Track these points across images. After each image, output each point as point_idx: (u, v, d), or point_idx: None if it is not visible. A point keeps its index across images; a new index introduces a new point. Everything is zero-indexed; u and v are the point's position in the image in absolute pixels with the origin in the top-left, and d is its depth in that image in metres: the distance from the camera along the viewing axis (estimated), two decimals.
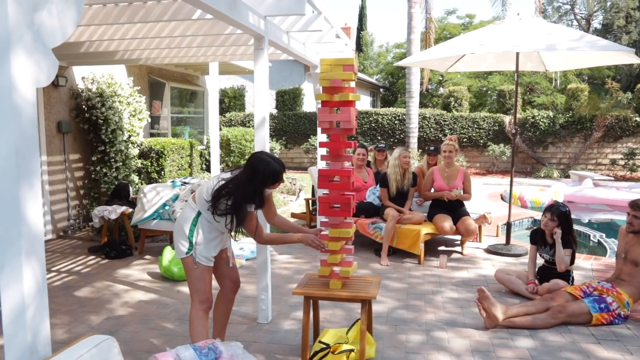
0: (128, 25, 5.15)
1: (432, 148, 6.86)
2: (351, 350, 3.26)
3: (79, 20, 1.72)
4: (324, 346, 3.31)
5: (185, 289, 4.91)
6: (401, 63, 6.64)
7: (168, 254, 5.22)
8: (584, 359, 3.47)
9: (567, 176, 14.10)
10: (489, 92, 24.62)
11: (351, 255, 3.53)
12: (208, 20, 4.56)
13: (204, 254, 3.08)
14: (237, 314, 4.25)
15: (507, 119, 15.68)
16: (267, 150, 4.02)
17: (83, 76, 7.65)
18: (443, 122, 16.18)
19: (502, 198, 10.46)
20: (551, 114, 15.48)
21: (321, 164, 6.47)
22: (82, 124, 7.54)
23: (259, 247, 4.07)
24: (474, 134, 15.93)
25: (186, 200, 6.10)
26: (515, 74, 6.16)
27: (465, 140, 15.97)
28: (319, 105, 3.36)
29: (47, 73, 1.64)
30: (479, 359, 3.48)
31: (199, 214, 3.09)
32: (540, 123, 15.32)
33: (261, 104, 4.01)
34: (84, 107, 7.47)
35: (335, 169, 3.32)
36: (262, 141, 4.03)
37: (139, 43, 6.10)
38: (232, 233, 3.15)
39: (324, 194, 3.37)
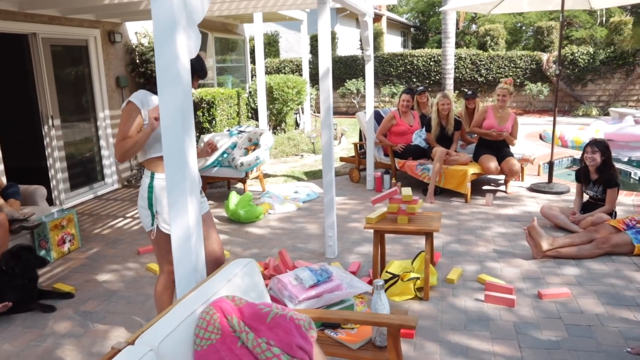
0: None
1: (469, 92, 7.11)
2: (417, 278, 3.68)
3: None
4: (392, 275, 3.74)
5: (253, 229, 5.39)
6: (445, 8, 6.74)
7: (234, 198, 5.68)
8: (627, 284, 3.82)
9: (607, 114, 13.98)
10: (523, 28, 23.87)
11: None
12: None
13: (168, 221, 2.71)
14: (305, 250, 4.72)
15: (545, 57, 15.42)
16: (330, 100, 4.34)
17: (136, 31, 7.97)
18: (479, 62, 16.04)
19: (541, 137, 10.56)
20: (591, 50, 15.13)
21: (369, 110, 6.76)
22: (137, 78, 7.93)
23: (326, 187, 4.47)
24: (511, 73, 15.77)
25: (246, 148, 6.54)
26: (561, 15, 6.21)
27: (502, 79, 15.83)
28: None
29: (195, 43, 1.98)
30: (530, 284, 3.87)
31: (152, 176, 2.79)
32: (580, 60, 15.03)
33: (325, 55, 4.28)
34: (138, 61, 7.84)
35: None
36: (327, 90, 4.33)
37: None
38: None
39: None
